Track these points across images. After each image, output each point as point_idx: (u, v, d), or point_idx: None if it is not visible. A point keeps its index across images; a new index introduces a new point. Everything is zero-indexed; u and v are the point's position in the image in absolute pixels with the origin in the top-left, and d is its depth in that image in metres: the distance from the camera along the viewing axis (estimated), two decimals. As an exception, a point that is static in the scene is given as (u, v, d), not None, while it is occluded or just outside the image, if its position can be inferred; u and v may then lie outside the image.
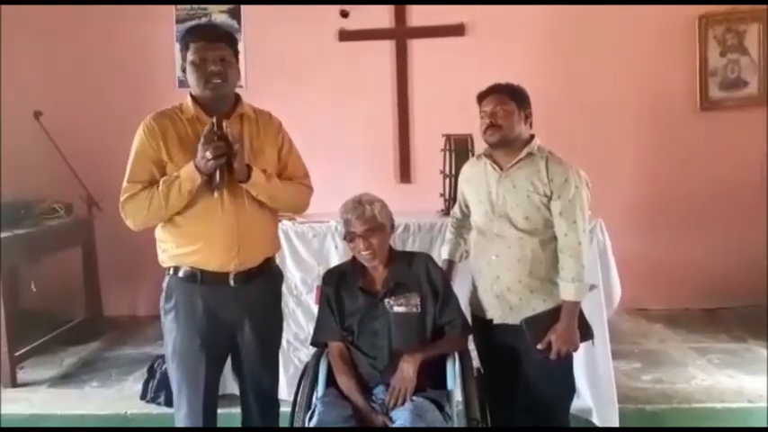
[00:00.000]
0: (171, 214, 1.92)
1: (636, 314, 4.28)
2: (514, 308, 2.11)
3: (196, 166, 1.85)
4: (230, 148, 1.83)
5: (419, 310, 2.07)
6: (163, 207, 1.88)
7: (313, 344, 2.20)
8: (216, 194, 1.89)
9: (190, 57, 1.90)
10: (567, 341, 2.05)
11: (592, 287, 2.13)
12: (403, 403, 1.92)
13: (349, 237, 2.09)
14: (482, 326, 2.18)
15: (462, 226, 2.37)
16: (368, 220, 2.06)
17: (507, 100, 2.10)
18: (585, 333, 2.12)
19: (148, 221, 1.94)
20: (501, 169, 2.14)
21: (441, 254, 2.43)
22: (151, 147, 1.91)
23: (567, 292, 2.05)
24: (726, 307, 4.30)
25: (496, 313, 2.15)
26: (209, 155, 1.81)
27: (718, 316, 4.24)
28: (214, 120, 1.84)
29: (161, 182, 1.89)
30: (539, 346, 2.04)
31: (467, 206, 2.31)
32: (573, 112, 4.29)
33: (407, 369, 1.96)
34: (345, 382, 2.02)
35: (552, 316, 2.07)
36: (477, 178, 2.22)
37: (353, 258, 2.16)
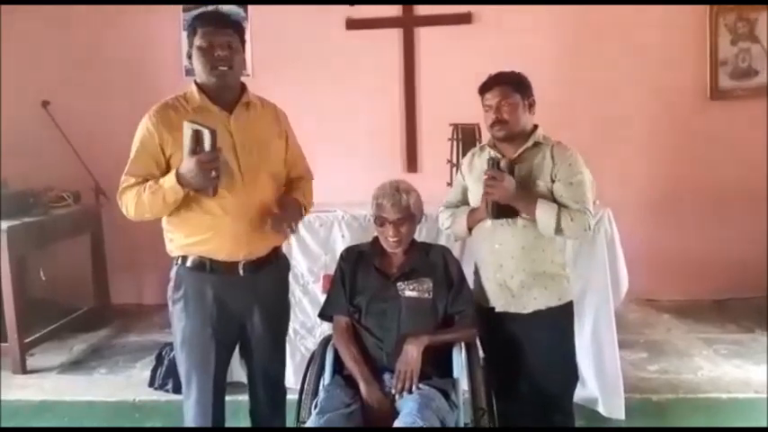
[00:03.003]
0: (160, 216, 1.94)
1: (644, 304, 4.27)
2: (516, 296, 2.12)
3: (179, 181, 1.80)
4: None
5: (431, 296, 2.08)
6: (147, 212, 1.89)
7: (320, 316, 2.22)
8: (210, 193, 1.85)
9: (197, 42, 1.89)
10: (501, 188, 2.00)
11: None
12: (410, 389, 1.93)
13: (379, 221, 2.10)
14: (485, 315, 2.18)
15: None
16: (402, 209, 2.07)
17: (511, 92, 2.07)
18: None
19: (140, 218, 1.92)
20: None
21: (442, 224, 2.38)
22: (153, 141, 1.89)
23: (542, 207, 2.01)
24: (734, 298, 4.27)
25: (499, 302, 2.15)
26: (213, 174, 1.77)
27: (726, 307, 4.22)
28: (201, 133, 1.76)
29: (147, 187, 1.86)
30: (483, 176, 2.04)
31: (463, 195, 2.29)
32: (581, 101, 4.26)
33: (411, 351, 1.97)
34: (352, 352, 2.03)
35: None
36: (481, 168, 2.21)
37: (375, 239, 2.18)
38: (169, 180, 1.84)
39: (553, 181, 2.06)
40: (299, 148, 2.17)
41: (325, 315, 2.20)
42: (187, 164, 1.79)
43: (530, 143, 2.10)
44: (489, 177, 2.02)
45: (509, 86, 2.08)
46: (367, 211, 2.19)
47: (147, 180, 1.89)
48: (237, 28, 1.95)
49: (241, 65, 1.97)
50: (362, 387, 1.97)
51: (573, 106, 4.17)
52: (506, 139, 2.11)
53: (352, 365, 2.02)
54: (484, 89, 2.12)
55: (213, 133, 1.76)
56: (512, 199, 2.03)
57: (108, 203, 4.08)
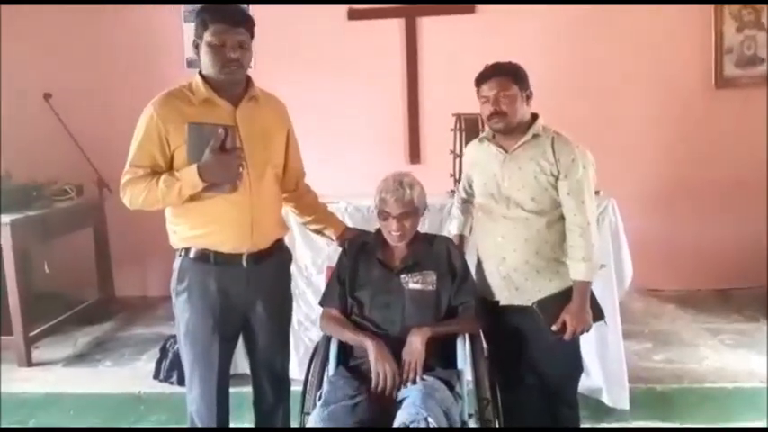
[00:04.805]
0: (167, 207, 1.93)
1: (648, 294, 4.27)
2: (521, 288, 2.11)
3: (200, 175, 1.79)
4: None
5: (435, 288, 2.07)
6: (159, 203, 1.88)
7: (321, 304, 2.22)
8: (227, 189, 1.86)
9: (207, 38, 1.84)
10: (581, 321, 2.03)
11: (601, 267, 2.11)
12: (414, 379, 1.93)
13: (383, 215, 2.09)
14: (489, 308, 2.17)
15: (468, 202, 2.37)
16: (406, 203, 2.06)
17: (509, 84, 2.03)
18: (597, 313, 2.11)
19: (145, 209, 1.91)
20: (505, 151, 2.11)
21: (449, 231, 2.44)
22: (158, 133, 1.86)
23: (577, 272, 2.04)
24: (739, 287, 4.27)
25: (503, 294, 2.14)
26: (241, 169, 1.82)
27: (731, 296, 4.22)
28: (227, 131, 1.78)
29: (161, 180, 1.84)
30: (553, 328, 2.03)
31: (471, 187, 2.29)
32: (586, 91, 4.24)
33: (415, 341, 1.96)
34: (348, 325, 2.04)
35: (564, 297, 2.05)
36: (481, 160, 2.20)
37: (378, 230, 2.17)
38: (189, 175, 1.80)
39: (555, 177, 2.04)
40: (298, 146, 2.18)
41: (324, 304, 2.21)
42: (214, 160, 1.77)
43: (528, 136, 2.07)
44: (571, 334, 2.03)
45: (507, 77, 2.04)
46: (370, 202, 2.17)
47: (154, 171, 1.87)
48: (249, 24, 1.91)
49: (249, 60, 1.94)
50: (370, 345, 1.95)
51: (577, 95, 4.15)
52: (505, 131, 2.08)
53: (352, 335, 2.01)
54: (481, 80, 2.08)
55: (235, 130, 1.82)
56: (587, 312, 2.05)
57: (111, 196, 4.08)
